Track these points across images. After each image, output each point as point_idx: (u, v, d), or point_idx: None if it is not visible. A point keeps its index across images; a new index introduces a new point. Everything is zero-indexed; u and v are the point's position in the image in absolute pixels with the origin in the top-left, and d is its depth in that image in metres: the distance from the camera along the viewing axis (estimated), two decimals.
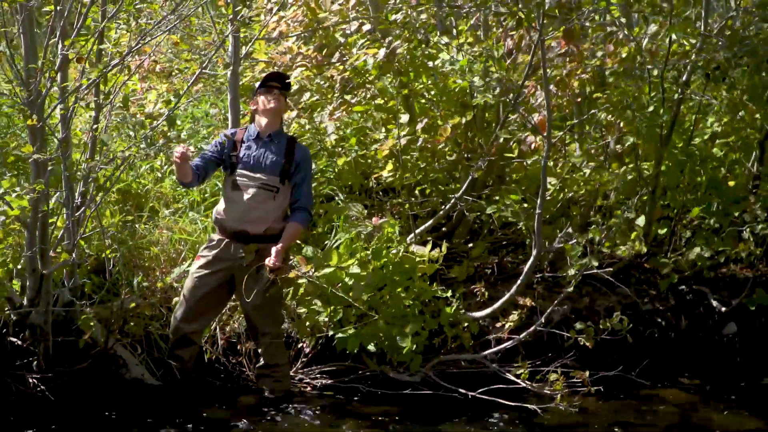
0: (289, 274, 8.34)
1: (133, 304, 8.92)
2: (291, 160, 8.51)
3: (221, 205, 8.62)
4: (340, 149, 10.46)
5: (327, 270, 8.54)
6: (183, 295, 8.70)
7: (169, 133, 9.11)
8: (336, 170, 10.39)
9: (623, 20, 10.18)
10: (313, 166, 10.11)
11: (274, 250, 8.28)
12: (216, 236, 8.65)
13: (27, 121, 7.91)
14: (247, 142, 8.58)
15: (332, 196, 10.22)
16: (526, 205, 9.74)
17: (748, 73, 10.56)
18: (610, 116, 9.93)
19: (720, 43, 9.89)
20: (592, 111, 9.92)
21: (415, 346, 8.87)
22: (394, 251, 8.91)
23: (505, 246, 10.75)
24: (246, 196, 8.48)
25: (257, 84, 8.63)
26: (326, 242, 9.40)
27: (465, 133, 10.11)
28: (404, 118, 10.01)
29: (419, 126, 9.89)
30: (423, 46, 10.07)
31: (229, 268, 8.56)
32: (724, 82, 10.64)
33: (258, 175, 8.48)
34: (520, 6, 9.06)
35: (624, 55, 9.85)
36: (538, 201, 9.19)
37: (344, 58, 10.31)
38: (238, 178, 8.53)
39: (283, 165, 8.49)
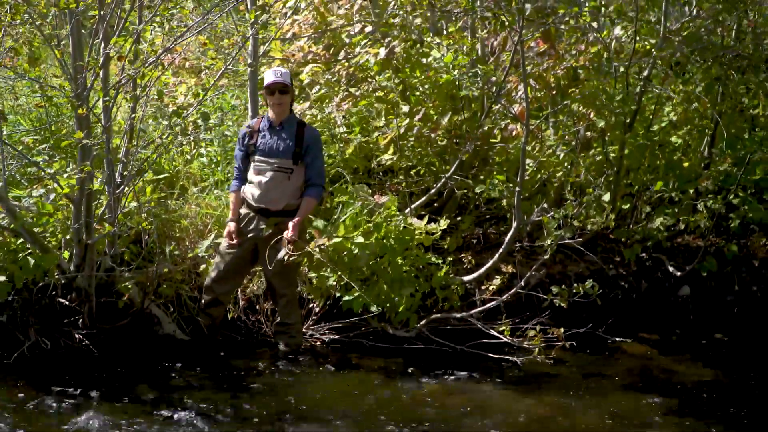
0: (304, 248, 8.40)
1: (165, 270, 8.97)
2: (301, 143, 8.55)
3: (246, 185, 8.68)
4: (346, 135, 10.48)
5: (335, 240, 8.58)
6: (215, 262, 8.80)
7: (200, 123, 9.15)
8: (344, 155, 10.41)
9: (594, 24, 10.21)
10: (324, 151, 10.16)
11: (290, 224, 8.36)
12: (243, 211, 8.70)
13: (78, 111, 7.98)
14: (263, 131, 8.62)
15: (340, 176, 10.25)
16: (510, 185, 9.77)
17: (703, 68, 10.62)
18: (581, 107, 9.96)
19: (678, 42, 9.96)
20: (565, 102, 9.96)
21: (411, 305, 8.93)
22: (393, 224, 8.95)
23: (489, 219, 10.77)
24: (264, 179, 8.54)
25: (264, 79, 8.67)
26: (335, 216, 9.44)
27: (454, 121, 10.13)
28: (404, 108, 10.03)
29: (417, 117, 9.91)
30: (417, 45, 10.10)
31: (252, 239, 8.63)
32: (683, 76, 10.70)
33: (273, 160, 8.53)
34: (503, 10, 9.09)
35: (593, 53, 9.92)
36: (518, 180, 9.25)
37: (349, 56, 10.35)
38: (256, 163, 8.59)
39: (295, 149, 8.53)
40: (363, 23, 10.43)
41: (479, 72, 9.60)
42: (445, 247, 9.91)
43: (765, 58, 10.67)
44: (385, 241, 8.76)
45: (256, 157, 8.58)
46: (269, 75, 8.58)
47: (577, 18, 9.80)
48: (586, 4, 10.13)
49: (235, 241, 8.61)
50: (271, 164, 8.52)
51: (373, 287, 8.76)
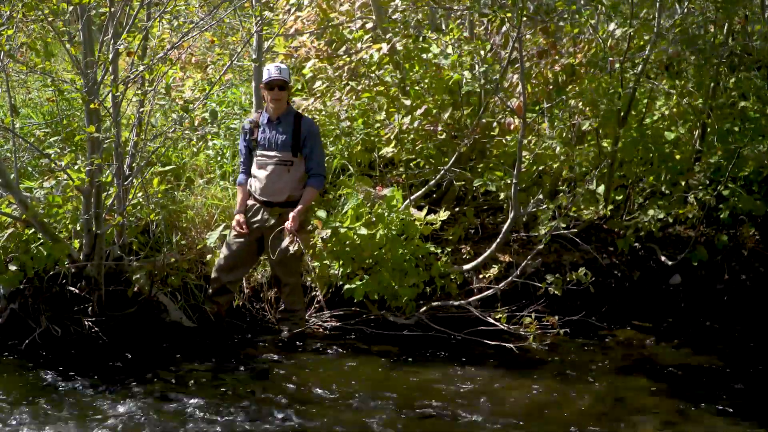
0: (306, 236, 8.39)
1: (172, 259, 8.96)
2: (298, 135, 8.58)
3: (251, 178, 8.70)
4: (348, 128, 10.46)
5: (339, 230, 8.56)
6: (222, 251, 8.81)
7: (206, 117, 9.13)
8: (349, 150, 10.39)
9: (592, 22, 10.18)
10: (331, 148, 10.14)
11: (291, 215, 8.38)
12: (250, 202, 8.75)
13: (88, 105, 7.96)
14: (262, 126, 8.66)
15: (344, 169, 10.23)
16: (506, 178, 9.74)
17: (695, 67, 10.59)
18: (579, 102, 9.94)
19: (671, 39, 9.94)
20: (561, 97, 9.93)
21: (409, 294, 8.93)
22: (394, 215, 8.92)
23: (486, 210, 10.74)
24: (266, 173, 8.59)
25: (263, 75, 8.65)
26: (337, 207, 9.42)
27: (453, 115, 10.11)
28: (405, 102, 10.01)
29: (419, 112, 9.87)
30: (418, 41, 10.08)
31: (258, 229, 8.67)
32: (677, 75, 10.67)
33: (273, 154, 8.57)
34: (501, 7, 9.06)
35: (591, 51, 9.91)
36: (514, 172, 9.23)
37: (350, 52, 10.33)
38: (258, 157, 8.64)
39: (292, 141, 8.55)
40: (364, 20, 10.41)
41: (479, 70, 9.59)
42: (449, 237, 9.88)
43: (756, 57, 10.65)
44: (386, 231, 8.75)
45: (258, 152, 8.64)
46: (268, 71, 8.56)
47: (573, 15, 9.78)
48: (582, 1, 10.10)
49: (244, 231, 8.61)
50: (272, 158, 8.56)
51: (375, 276, 8.75)
